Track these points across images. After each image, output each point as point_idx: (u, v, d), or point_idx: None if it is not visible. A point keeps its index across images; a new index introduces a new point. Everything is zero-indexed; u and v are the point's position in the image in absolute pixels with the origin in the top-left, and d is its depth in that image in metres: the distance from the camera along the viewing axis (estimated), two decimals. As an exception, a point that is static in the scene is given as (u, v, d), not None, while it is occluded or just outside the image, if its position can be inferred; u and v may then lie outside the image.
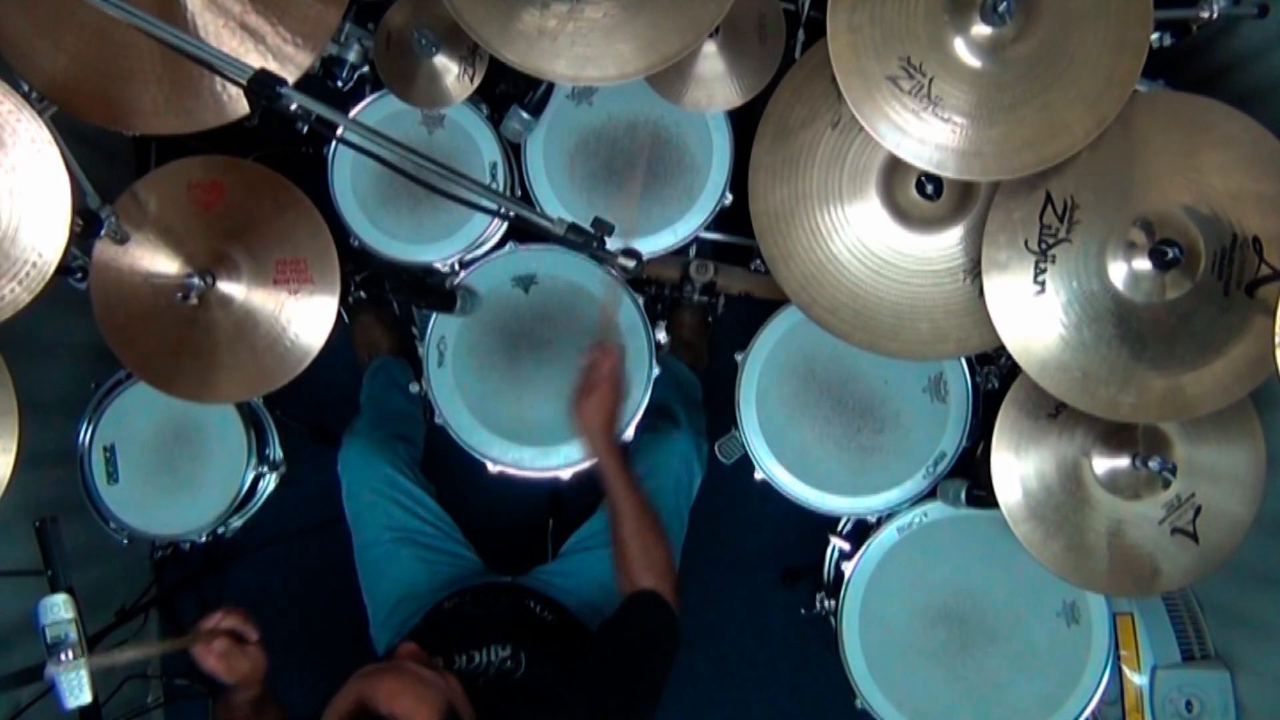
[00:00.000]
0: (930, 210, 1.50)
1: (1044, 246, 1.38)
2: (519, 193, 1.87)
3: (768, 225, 1.52)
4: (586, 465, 1.82)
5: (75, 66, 1.40)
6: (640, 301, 1.81)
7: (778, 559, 2.37)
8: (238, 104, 1.42)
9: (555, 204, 1.82)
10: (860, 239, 1.50)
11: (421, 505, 1.86)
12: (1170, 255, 1.32)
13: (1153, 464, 1.49)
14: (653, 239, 1.82)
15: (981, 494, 1.65)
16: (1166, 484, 1.55)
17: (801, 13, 1.80)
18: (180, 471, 1.89)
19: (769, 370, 1.81)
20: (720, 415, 1.97)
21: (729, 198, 1.80)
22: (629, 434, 1.81)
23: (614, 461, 1.49)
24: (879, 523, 1.80)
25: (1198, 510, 1.55)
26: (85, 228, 1.43)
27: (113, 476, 1.88)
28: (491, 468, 1.82)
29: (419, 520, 1.84)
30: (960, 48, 1.31)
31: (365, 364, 2.27)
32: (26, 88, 1.39)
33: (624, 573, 1.46)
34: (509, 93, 1.80)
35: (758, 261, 1.99)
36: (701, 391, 2.18)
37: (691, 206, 1.82)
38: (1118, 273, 1.37)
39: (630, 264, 1.36)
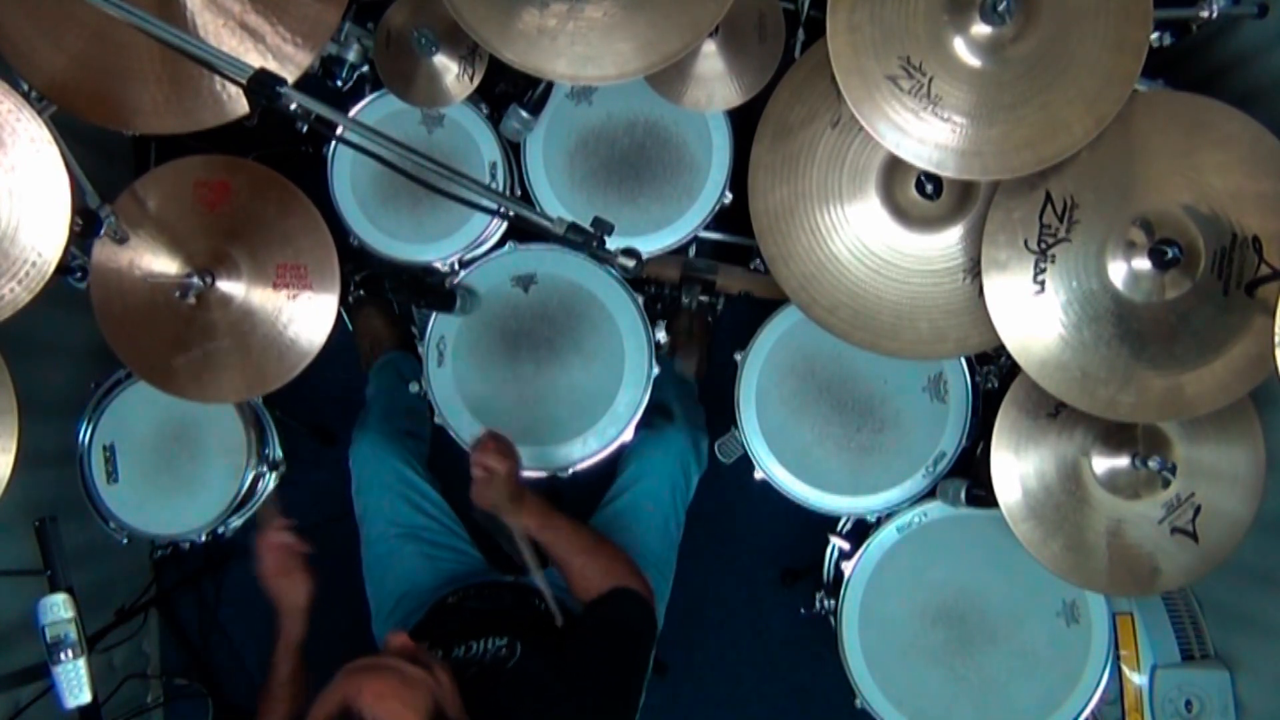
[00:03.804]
0: (930, 210, 1.50)
1: (1043, 246, 1.39)
2: (518, 192, 1.87)
3: (767, 225, 1.52)
4: (587, 464, 1.82)
5: (75, 66, 1.40)
6: (640, 301, 1.81)
7: (777, 559, 2.36)
8: (237, 103, 1.42)
9: (555, 203, 1.82)
10: (860, 238, 1.50)
11: (429, 501, 1.86)
12: (1170, 255, 1.32)
13: (1152, 463, 1.49)
14: (652, 238, 1.83)
15: (981, 493, 1.65)
16: (1166, 483, 1.55)
17: (801, 12, 1.80)
18: (180, 471, 1.89)
19: (769, 370, 1.81)
20: (720, 415, 1.97)
21: (729, 197, 1.80)
22: (628, 435, 1.81)
23: (530, 521, 1.52)
24: (879, 522, 1.80)
25: (1197, 510, 1.55)
26: (85, 227, 1.43)
27: (112, 476, 1.88)
28: (491, 467, 1.81)
29: (425, 516, 1.84)
30: (960, 47, 1.31)
31: (368, 357, 2.27)
32: (26, 87, 1.39)
33: (586, 592, 1.48)
34: (508, 92, 1.80)
35: (757, 261, 1.99)
36: (697, 393, 2.18)
37: (691, 205, 1.82)
38: (1117, 272, 1.37)
39: (630, 263, 1.36)
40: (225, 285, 1.57)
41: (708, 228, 1.86)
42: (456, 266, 1.85)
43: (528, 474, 1.82)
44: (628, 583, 1.46)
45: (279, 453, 2.04)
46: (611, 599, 1.44)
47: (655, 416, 1.92)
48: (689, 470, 1.91)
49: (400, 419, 1.98)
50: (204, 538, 1.93)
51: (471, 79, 1.67)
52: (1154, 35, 1.44)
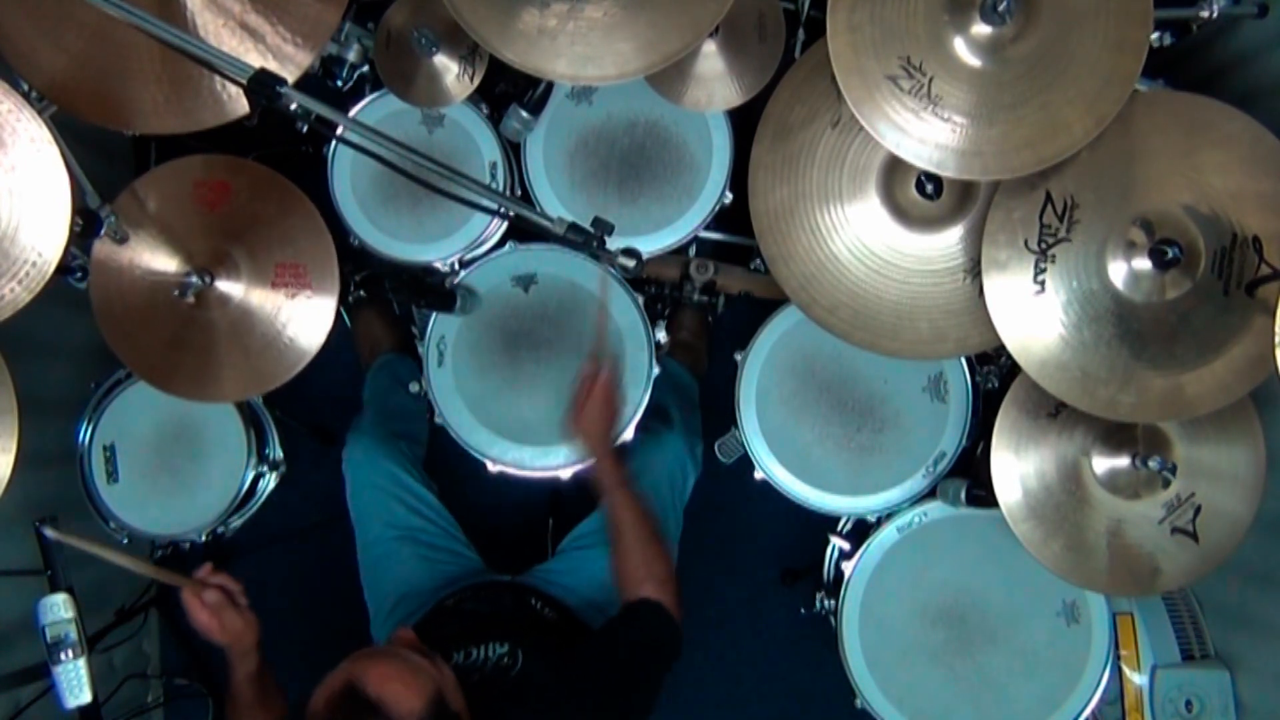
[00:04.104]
0: (930, 210, 1.50)
1: (1044, 246, 1.38)
2: (519, 192, 1.87)
3: (768, 225, 1.52)
4: (586, 465, 1.82)
5: (75, 66, 1.40)
6: (640, 301, 1.81)
7: (778, 559, 2.36)
8: (237, 103, 1.42)
9: (555, 203, 1.82)
10: (860, 238, 1.50)
11: (424, 503, 1.86)
12: (1170, 255, 1.32)
13: (1152, 463, 1.49)
14: (652, 238, 1.82)
15: (981, 493, 1.65)
16: (1166, 483, 1.55)
17: (801, 12, 1.80)
18: (180, 471, 1.89)
19: (769, 370, 1.81)
20: (720, 415, 1.97)
21: (729, 197, 1.80)
22: (628, 435, 1.81)
23: (615, 471, 1.52)
24: (879, 522, 1.80)
25: (1197, 510, 1.55)
26: (85, 227, 1.43)
27: (113, 476, 1.88)
28: (491, 467, 1.82)
29: (421, 519, 1.84)
30: (960, 47, 1.31)
31: (366, 360, 2.27)
32: (26, 87, 1.39)
33: (625, 581, 1.47)
34: (508, 92, 1.80)
35: (757, 261, 1.99)
36: (698, 393, 2.18)
37: (691, 205, 1.82)
38: (1117, 272, 1.37)
39: (630, 263, 1.36)
40: (224, 285, 1.57)
41: (708, 228, 1.86)
42: (456, 266, 1.85)
43: (529, 474, 1.82)
44: (658, 595, 1.45)
45: (279, 453, 2.04)
46: (645, 611, 1.43)
47: (652, 419, 1.93)
48: (685, 472, 1.91)
49: (395, 421, 1.98)
50: (204, 538, 1.93)
51: (471, 79, 1.67)
52: (1154, 35, 1.44)
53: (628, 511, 1.50)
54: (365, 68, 1.76)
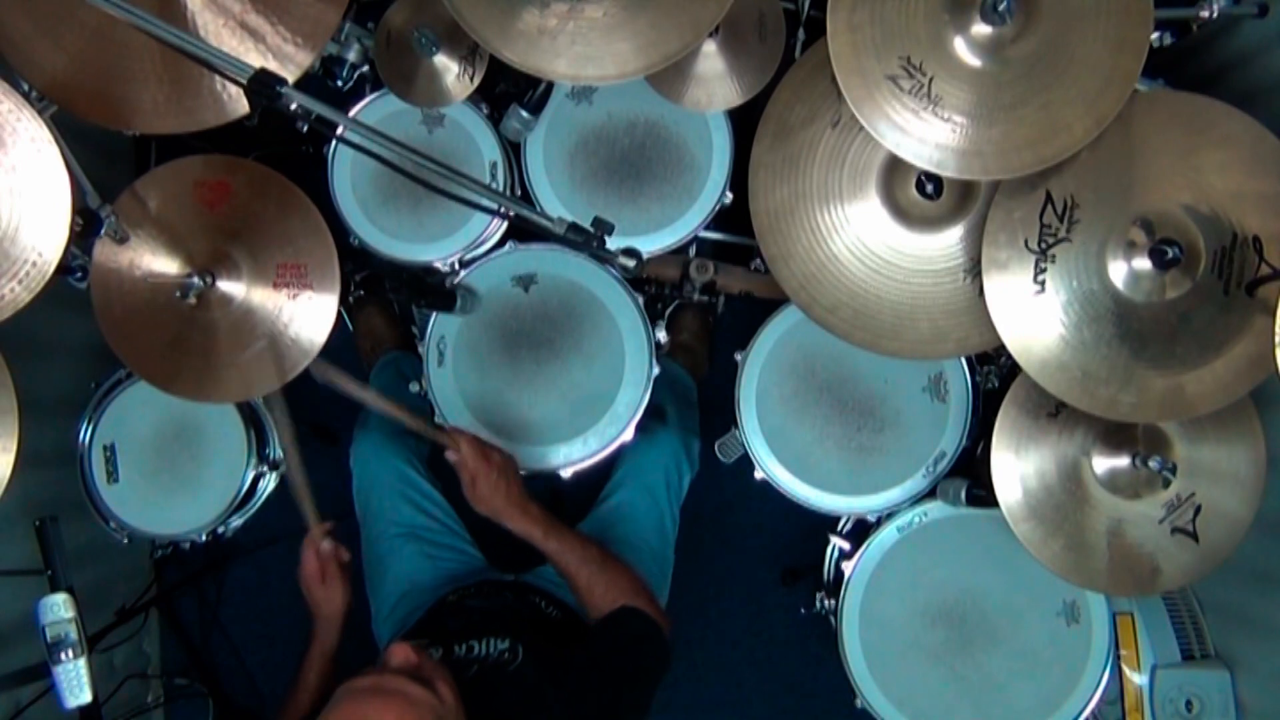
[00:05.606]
0: (930, 210, 1.50)
1: (1044, 246, 1.38)
2: (519, 192, 1.87)
3: (768, 225, 1.52)
4: (587, 464, 1.82)
5: (75, 66, 1.40)
6: (640, 301, 1.81)
7: (778, 559, 2.37)
8: (238, 103, 1.42)
9: (555, 203, 1.82)
10: (860, 238, 1.50)
11: (430, 500, 1.87)
12: (1170, 255, 1.32)
13: (1153, 463, 1.49)
14: (652, 238, 1.83)
15: (981, 493, 1.65)
16: (1166, 483, 1.55)
17: (801, 12, 1.80)
18: (180, 471, 1.89)
19: (769, 370, 1.81)
20: (720, 415, 1.97)
21: (729, 197, 1.80)
22: (628, 435, 1.81)
23: (535, 525, 1.51)
24: (879, 522, 1.80)
25: (1198, 510, 1.55)
26: (85, 227, 1.43)
27: (113, 476, 1.88)
28: (492, 467, 1.81)
29: (426, 516, 1.84)
30: (960, 47, 1.31)
31: (368, 357, 2.27)
32: (26, 87, 1.39)
33: (593, 609, 1.47)
34: (509, 92, 1.80)
35: (758, 261, 1.99)
36: (696, 393, 2.17)
37: (691, 205, 1.82)
38: (1118, 272, 1.37)
39: (630, 263, 1.36)
40: (225, 285, 1.57)
41: (708, 228, 1.86)
42: (457, 266, 1.85)
43: (529, 473, 1.82)
44: (636, 601, 1.45)
45: (279, 453, 2.04)
46: (623, 618, 1.43)
47: (648, 419, 1.93)
48: (681, 469, 1.91)
49: (401, 418, 1.98)
50: (204, 537, 1.93)
51: (472, 79, 1.67)
52: (1154, 35, 1.44)
53: (569, 554, 1.50)
54: (365, 68, 1.76)
